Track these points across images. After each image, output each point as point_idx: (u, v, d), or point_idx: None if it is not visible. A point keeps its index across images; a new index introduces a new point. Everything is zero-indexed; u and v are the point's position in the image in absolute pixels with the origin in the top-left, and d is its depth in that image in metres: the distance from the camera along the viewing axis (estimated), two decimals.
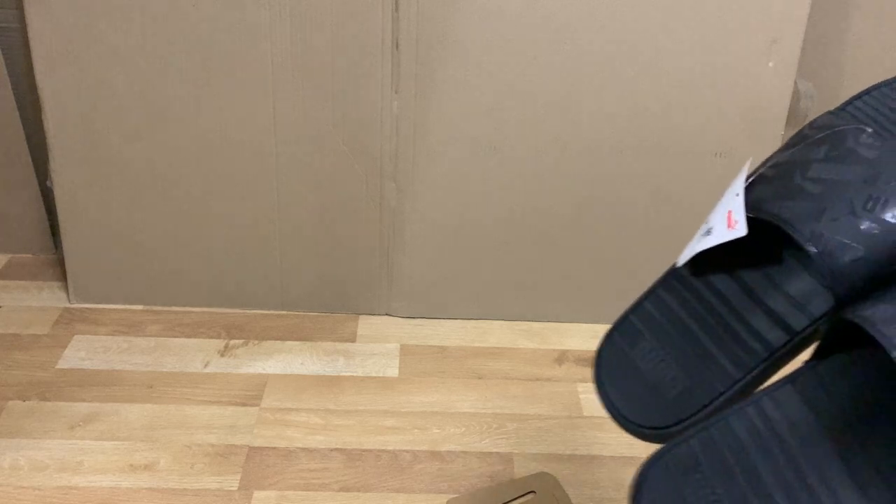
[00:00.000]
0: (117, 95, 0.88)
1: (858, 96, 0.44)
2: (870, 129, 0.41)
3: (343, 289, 1.00)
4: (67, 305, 1.00)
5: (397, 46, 0.85)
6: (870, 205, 0.37)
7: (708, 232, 0.42)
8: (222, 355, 0.93)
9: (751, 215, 0.40)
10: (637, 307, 0.48)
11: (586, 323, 1.00)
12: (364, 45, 0.85)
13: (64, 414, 0.83)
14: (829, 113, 0.44)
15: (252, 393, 0.87)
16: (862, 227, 0.36)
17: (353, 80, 0.87)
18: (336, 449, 0.80)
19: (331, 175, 0.92)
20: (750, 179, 0.43)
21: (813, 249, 0.37)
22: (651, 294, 0.48)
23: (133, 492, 0.74)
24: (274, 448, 0.80)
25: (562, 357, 0.95)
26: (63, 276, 1.02)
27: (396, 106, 0.88)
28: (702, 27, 0.84)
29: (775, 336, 0.43)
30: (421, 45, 0.85)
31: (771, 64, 0.86)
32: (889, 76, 1.04)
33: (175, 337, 0.95)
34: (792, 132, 0.99)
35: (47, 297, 1.01)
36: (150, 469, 0.77)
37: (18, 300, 1.00)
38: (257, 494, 0.74)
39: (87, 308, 0.99)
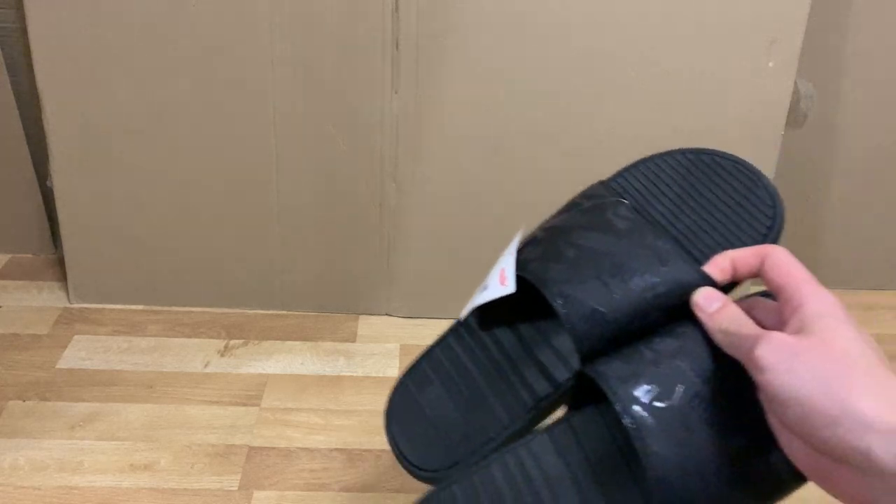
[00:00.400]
0: (117, 95, 0.88)
1: (627, 169, 0.48)
2: (627, 203, 0.45)
3: (343, 289, 1.00)
4: (67, 305, 1.00)
5: (397, 46, 0.85)
6: (615, 272, 0.40)
7: (485, 287, 0.46)
8: (222, 355, 0.93)
9: (518, 273, 0.43)
10: (428, 354, 0.51)
11: None
12: (364, 45, 0.85)
13: (64, 414, 0.83)
14: (600, 183, 0.48)
15: (252, 393, 0.87)
16: (606, 291, 0.40)
17: (353, 80, 0.87)
18: (336, 449, 0.80)
19: (331, 175, 0.92)
20: (525, 241, 0.46)
21: (561, 309, 0.40)
22: (442, 342, 0.51)
23: (133, 492, 0.74)
24: (274, 448, 0.80)
25: None
26: (63, 276, 1.02)
27: (396, 106, 0.88)
28: (702, 27, 0.84)
29: (541, 387, 0.46)
30: (421, 45, 0.85)
31: (771, 64, 0.86)
32: (889, 76, 1.04)
33: (175, 337, 0.95)
34: (792, 132, 1.00)
35: (47, 297, 1.01)
36: (150, 469, 0.77)
37: (18, 300, 1.00)
38: (257, 494, 0.74)
39: (87, 308, 0.99)
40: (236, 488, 0.75)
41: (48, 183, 0.96)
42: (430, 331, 1.07)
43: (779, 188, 1.02)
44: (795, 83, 0.87)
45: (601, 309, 0.39)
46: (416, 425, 0.48)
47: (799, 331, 0.33)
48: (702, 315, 0.38)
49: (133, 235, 0.96)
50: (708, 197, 0.44)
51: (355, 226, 0.95)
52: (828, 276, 1.09)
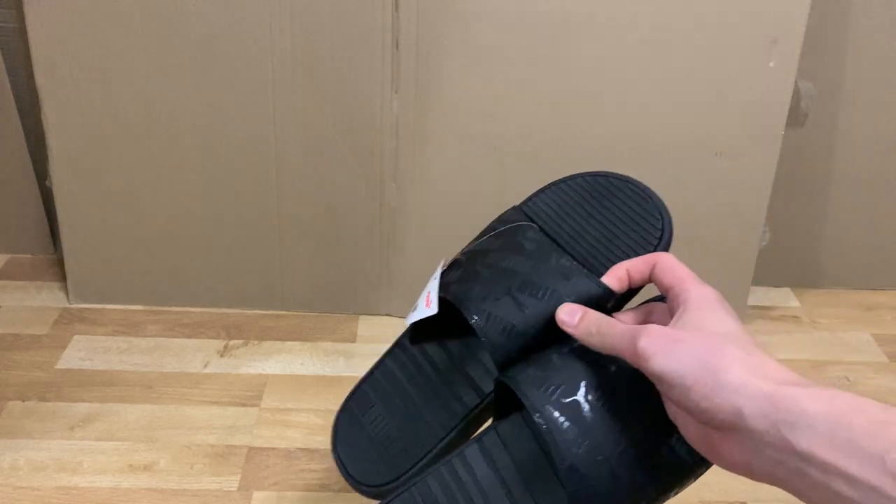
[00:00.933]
0: (117, 95, 0.88)
1: (536, 194, 0.52)
2: (536, 226, 0.49)
3: (343, 289, 1.00)
4: (67, 305, 1.00)
5: (397, 46, 0.85)
6: (525, 288, 0.44)
7: (414, 309, 0.49)
8: (222, 355, 0.93)
9: (441, 295, 0.47)
10: (369, 376, 0.55)
11: None
12: (364, 45, 0.85)
13: (63, 414, 0.83)
14: (514, 207, 0.52)
15: (252, 393, 0.87)
16: (517, 306, 0.44)
17: (353, 80, 0.86)
18: None
19: (331, 174, 0.92)
20: (449, 265, 0.50)
21: (478, 324, 0.44)
22: (380, 364, 0.55)
23: (133, 492, 0.74)
24: (274, 448, 0.80)
25: None
26: (63, 276, 1.02)
27: (396, 106, 0.88)
28: (702, 27, 0.84)
29: (470, 398, 0.50)
30: (421, 45, 0.85)
31: (771, 64, 0.86)
32: (889, 76, 1.04)
33: (175, 337, 0.95)
34: (792, 132, 1.00)
35: (47, 297, 1.01)
36: (149, 469, 0.77)
37: (18, 300, 1.00)
38: (257, 495, 0.74)
39: (86, 308, 0.99)
40: (236, 489, 0.75)
41: (48, 183, 0.96)
42: None
43: (779, 188, 1.03)
44: (796, 83, 0.87)
45: (513, 322, 0.43)
46: (360, 445, 0.52)
47: (677, 322, 0.37)
48: (568, 329, 0.41)
49: (133, 235, 0.96)
50: (605, 215, 0.48)
51: (355, 226, 0.95)
52: (828, 276, 1.10)
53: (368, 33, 0.84)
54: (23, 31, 0.88)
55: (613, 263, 0.45)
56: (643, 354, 0.35)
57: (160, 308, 1.00)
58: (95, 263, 0.98)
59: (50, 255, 1.09)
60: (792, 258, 1.08)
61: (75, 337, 0.94)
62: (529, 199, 0.52)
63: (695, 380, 0.34)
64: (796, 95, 0.89)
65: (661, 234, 0.46)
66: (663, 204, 0.48)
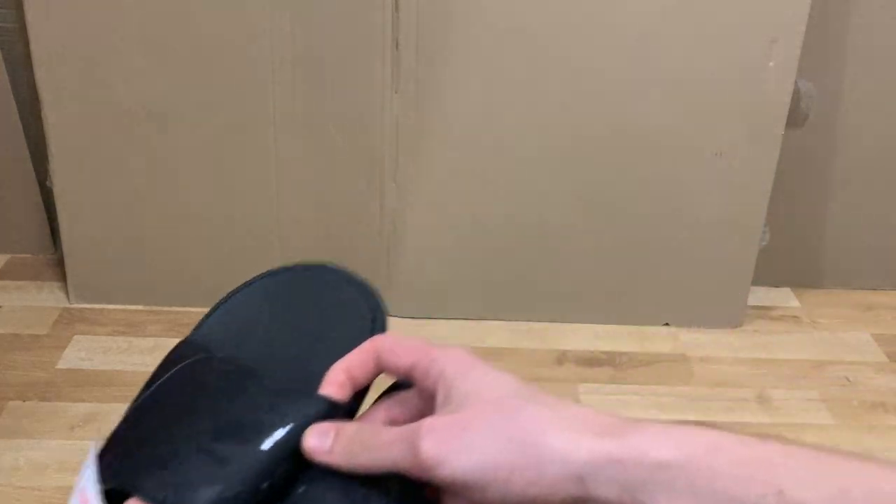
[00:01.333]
0: (117, 95, 0.88)
1: (205, 319, 0.43)
2: (215, 357, 0.39)
3: None
4: (67, 305, 1.00)
5: (397, 46, 0.85)
6: (220, 436, 0.34)
7: None
8: None
9: (106, 487, 0.34)
10: None
11: (586, 323, 1.00)
12: (364, 45, 0.85)
13: (64, 414, 0.83)
14: (181, 343, 0.42)
15: None
16: (215, 462, 0.33)
17: (353, 79, 0.86)
18: None
19: (331, 175, 0.92)
20: (105, 444, 0.38)
21: None
22: None
23: None
24: None
25: (562, 357, 0.95)
26: (63, 276, 1.02)
27: (396, 106, 0.88)
28: (702, 27, 0.84)
29: None
30: (421, 45, 0.85)
31: (771, 64, 0.86)
32: (889, 76, 1.04)
33: (175, 337, 0.94)
34: (792, 132, 0.99)
35: (47, 297, 1.01)
36: None
37: (18, 300, 1.00)
38: None
39: (87, 308, 0.99)
40: None
41: (48, 183, 0.96)
42: (430, 331, 1.08)
43: (779, 188, 1.02)
44: (796, 83, 0.87)
45: (217, 486, 0.32)
46: None
47: (449, 402, 0.30)
48: (322, 458, 0.33)
49: (133, 235, 0.96)
50: (299, 317, 0.40)
51: (355, 226, 0.95)
52: (828, 276, 1.10)
53: (368, 33, 0.84)
54: (23, 31, 0.88)
55: (326, 370, 0.36)
56: (431, 461, 0.28)
57: (160, 308, 1.00)
58: (95, 263, 0.98)
59: (50, 255, 1.08)
60: (792, 258, 1.08)
61: (75, 337, 0.94)
62: (197, 328, 0.43)
63: (511, 466, 0.27)
64: (796, 95, 0.89)
65: (374, 316, 0.39)
66: (364, 281, 0.40)
